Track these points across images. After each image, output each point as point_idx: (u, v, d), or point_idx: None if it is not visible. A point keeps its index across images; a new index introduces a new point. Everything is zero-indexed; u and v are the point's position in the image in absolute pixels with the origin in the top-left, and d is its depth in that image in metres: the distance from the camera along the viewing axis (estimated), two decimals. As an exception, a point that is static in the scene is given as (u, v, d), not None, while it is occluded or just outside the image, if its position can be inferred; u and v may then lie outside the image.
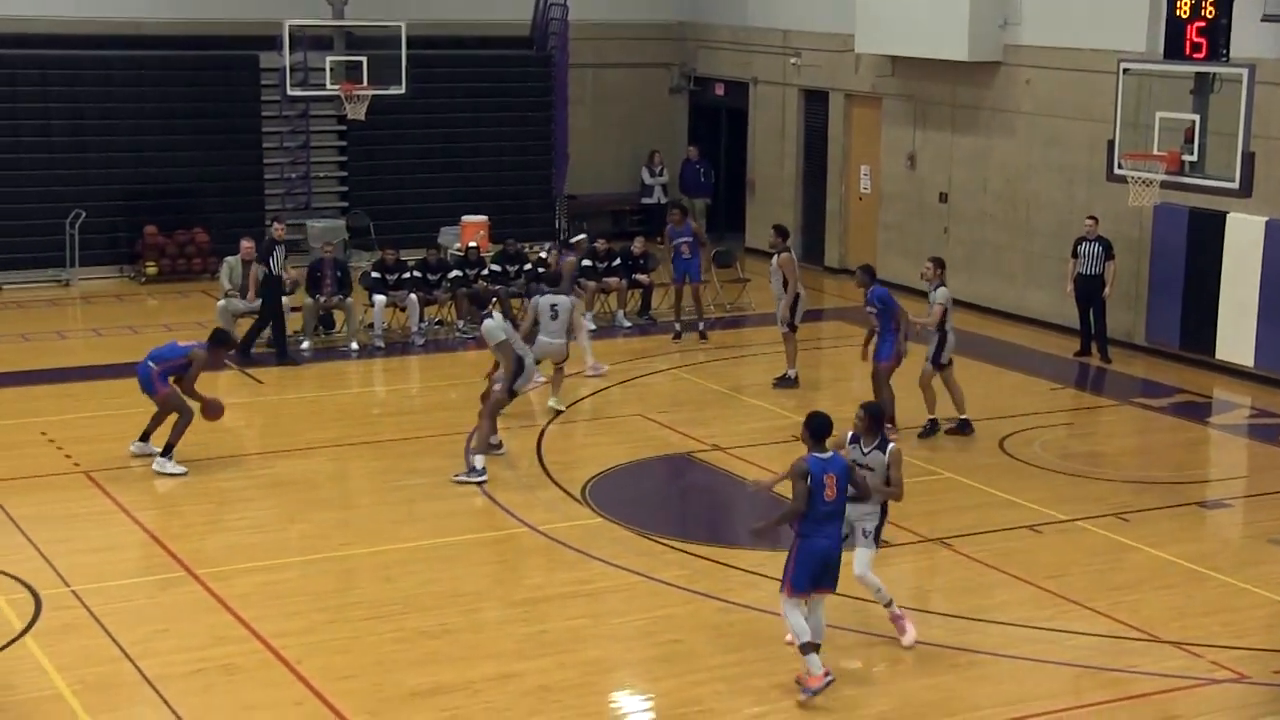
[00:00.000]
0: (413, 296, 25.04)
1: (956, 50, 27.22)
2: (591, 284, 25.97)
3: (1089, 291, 24.33)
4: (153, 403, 18.65)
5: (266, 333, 23.84)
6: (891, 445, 13.78)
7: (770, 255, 22.79)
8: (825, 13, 31.10)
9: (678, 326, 25.62)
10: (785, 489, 13.28)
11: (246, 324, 23.89)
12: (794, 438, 17.41)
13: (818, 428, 13.00)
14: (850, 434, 13.86)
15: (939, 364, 20.01)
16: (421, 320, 25.20)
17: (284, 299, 24.08)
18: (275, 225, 24.08)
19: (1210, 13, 19.46)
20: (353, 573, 15.75)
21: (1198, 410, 22.26)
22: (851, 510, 13.53)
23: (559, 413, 21.07)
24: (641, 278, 26.89)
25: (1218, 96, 19.51)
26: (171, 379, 18.53)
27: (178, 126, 30.18)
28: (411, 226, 30.11)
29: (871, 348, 20.35)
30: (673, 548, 16.37)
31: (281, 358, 23.60)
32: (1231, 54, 19.64)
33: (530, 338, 20.13)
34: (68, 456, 19.14)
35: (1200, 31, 19.57)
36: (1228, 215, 23.13)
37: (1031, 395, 22.65)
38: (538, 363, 20.12)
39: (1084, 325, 24.71)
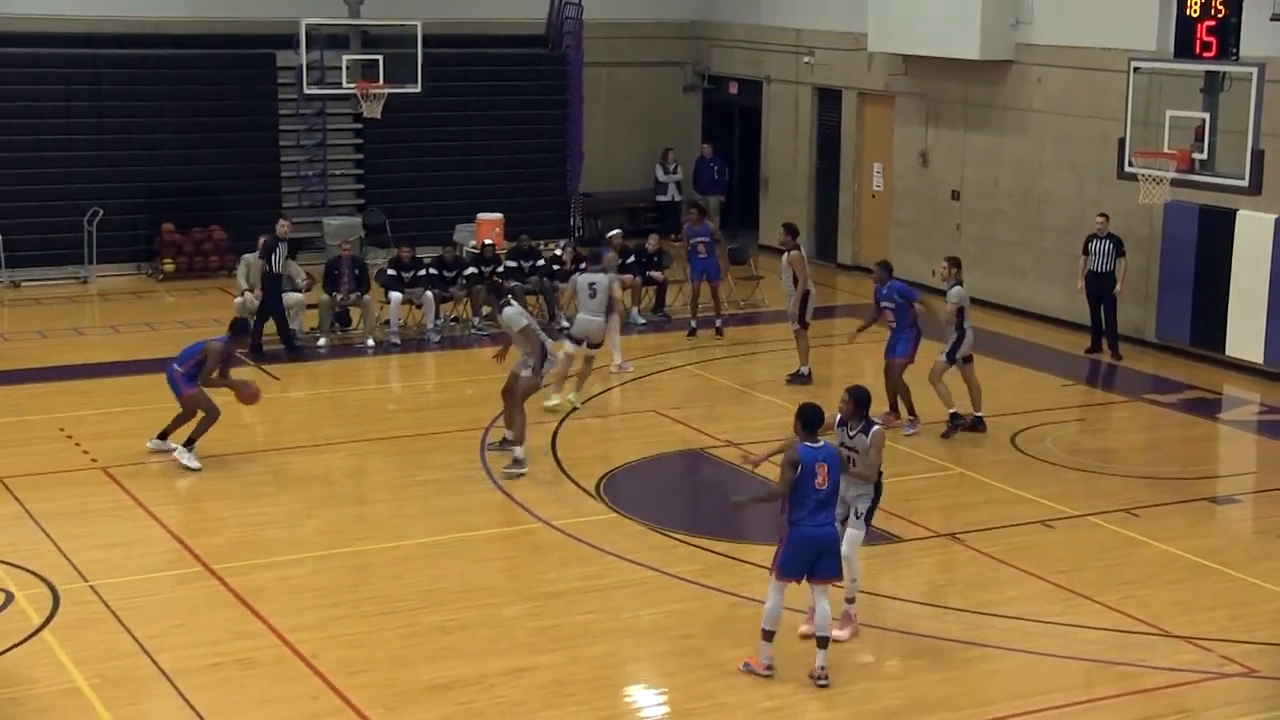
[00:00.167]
0: (428, 293, 25.16)
1: (968, 49, 27.30)
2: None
3: (1099, 288, 24.39)
4: (179, 404, 18.77)
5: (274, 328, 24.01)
6: (875, 428, 13.95)
7: (781, 253, 22.89)
8: (838, 12, 31.17)
9: (693, 323, 25.71)
10: (773, 473, 13.46)
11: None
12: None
13: (810, 418, 13.20)
14: (837, 418, 14.06)
15: (954, 360, 20.05)
16: (437, 317, 25.32)
17: (300, 295, 24.25)
18: (281, 223, 24.18)
19: (1220, 12, 19.54)
20: (368, 568, 15.84)
21: (1207, 406, 22.33)
22: (847, 492, 13.79)
23: (574, 409, 21.17)
24: (656, 274, 26.98)
25: (1227, 95, 19.60)
26: (199, 380, 18.63)
27: (195, 125, 30.31)
28: (427, 224, 30.20)
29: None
30: (686, 543, 16.46)
31: (291, 353, 23.69)
32: (1241, 53, 19.71)
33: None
34: (85, 453, 19.25)
35: (1210, 30, 19.64)
36: (1237, 213, 23.18)
37: (1043, 391, 22.72)
38: (578, 342, 20.78)
39: (1095, 322, 24.77)
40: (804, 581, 13.15)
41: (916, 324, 20.28)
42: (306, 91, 28.94)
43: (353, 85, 27.95)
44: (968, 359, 20.17)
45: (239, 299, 24.40)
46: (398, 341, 24.85)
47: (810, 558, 13.01)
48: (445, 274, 25.67)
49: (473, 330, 25.65)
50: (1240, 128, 19.30)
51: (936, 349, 20.28)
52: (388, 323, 24.99)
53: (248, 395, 18.93)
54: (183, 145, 30.20)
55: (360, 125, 30.97)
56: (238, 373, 20.05)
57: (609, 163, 34.63)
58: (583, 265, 23.16)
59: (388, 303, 24.99)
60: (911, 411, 20.28)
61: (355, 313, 25.28)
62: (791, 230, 22.85)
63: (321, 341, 24.65)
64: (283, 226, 24.02)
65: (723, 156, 34.42)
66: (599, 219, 33.40)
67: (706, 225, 26.02)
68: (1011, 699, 13.02)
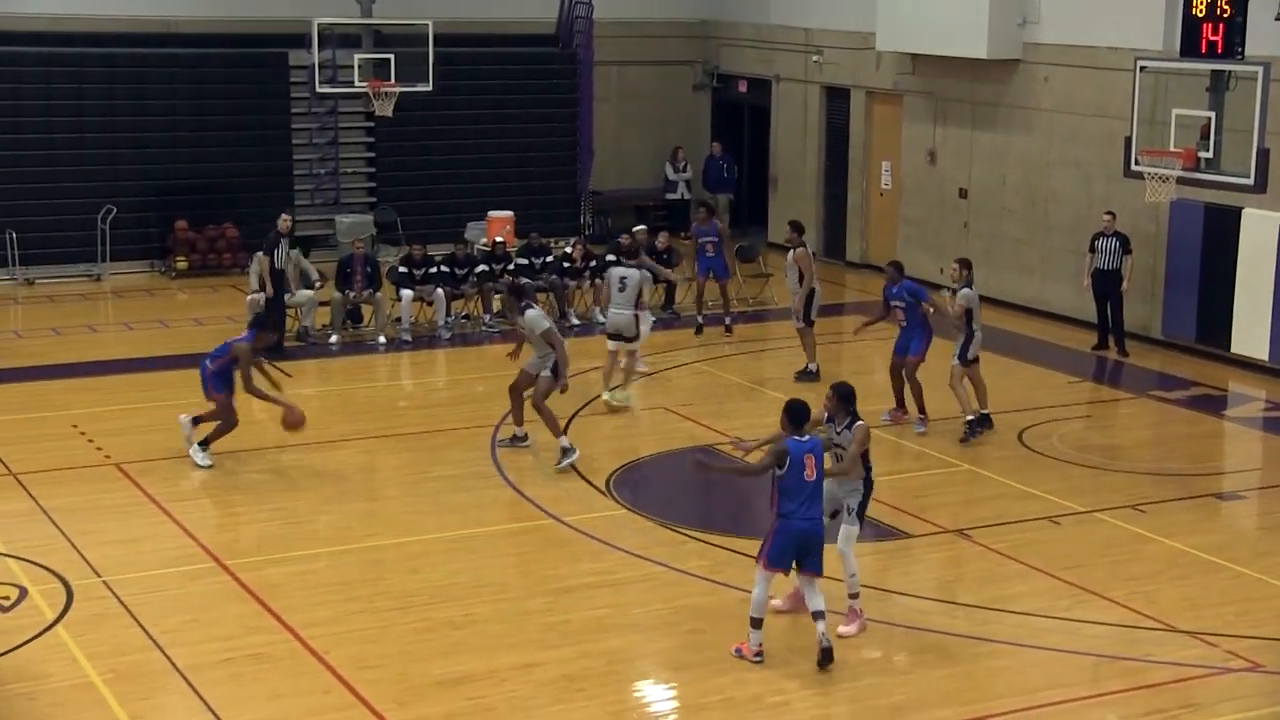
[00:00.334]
0: (439, 291, 25.26)
1: (976, 48, 27.36)
2: (668, 271, 26.33)
3: (1106, 286, 24.47)
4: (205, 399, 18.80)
5: (292, 325, 24.03)
6: (859, 424, 14.09)
7: (787, 250, 22.98)
8: (847, 11, 31.25)
9: (700, 321, 25.81)
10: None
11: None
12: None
13: (796, 413, 13.39)
14: (826, 415, 14.22)
15: (966, 360, 20.11)
16: (448, 314, 25.42)
17: (311, 292, 24.36)
18: (282, 218, 24.25)
19: (1226, 11, 19.58)
20: (380, 564, 15.91)
21: (1213, 403, 22.42)
22: (838, 488, 13.97)
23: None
24: (665, 271, 27.06)
25: (1233, 94, 19.66)
26: (245, 386, 18.62)
27: (208, 123, 30.45)
28: (438, 222, 30.30)
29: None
30: (695, 538, 16.55)
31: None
32: (1247, 52, 19.75)
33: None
34: (99, 449, 19.36)
35: (1216, 30, 19.70)
36: (1243, 211, 23.25)
37: (1049, 388, 22.79)
38: (608, 335, 21.30)
39: (1101, 319, 24.84)
40: (791, 573, 13.44)
41: (927, 322, 20.36)
42: (319, 90, 28.97)
43: (364, 84, 28.05)
44: (975, 359, 20.22)
45: (251, 297, 24.48)
46: (409, 338, 24.96)
47: (799, 551, 13.28)
48: (456, 271, 25.75)
49: (484, 327, 25.75)
50: (1246, 127, 19.37)
51: (946, 348, 20.32)
52: (399, 320, 25.09)
53: (292, 420, 18.60)
54: (195, 143, 30.33)
55: (372, 124, 31.10)
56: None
57: (619, 161, 34.73)
58: (614, 258, 23.08)
59: (399, 300, 25.08)
60: (922, 410, 20.33)
61: (367, 310, 25.40)
62: (798, 227, 22.90)
63: (333, 338, 24.78)
64: (283, 221, 24.08)
65: (732, 155, 34.51)
66: (609, 217, 33.51)
67: (715, 224, 26.12)
68: (1019, 694, 13.09)
